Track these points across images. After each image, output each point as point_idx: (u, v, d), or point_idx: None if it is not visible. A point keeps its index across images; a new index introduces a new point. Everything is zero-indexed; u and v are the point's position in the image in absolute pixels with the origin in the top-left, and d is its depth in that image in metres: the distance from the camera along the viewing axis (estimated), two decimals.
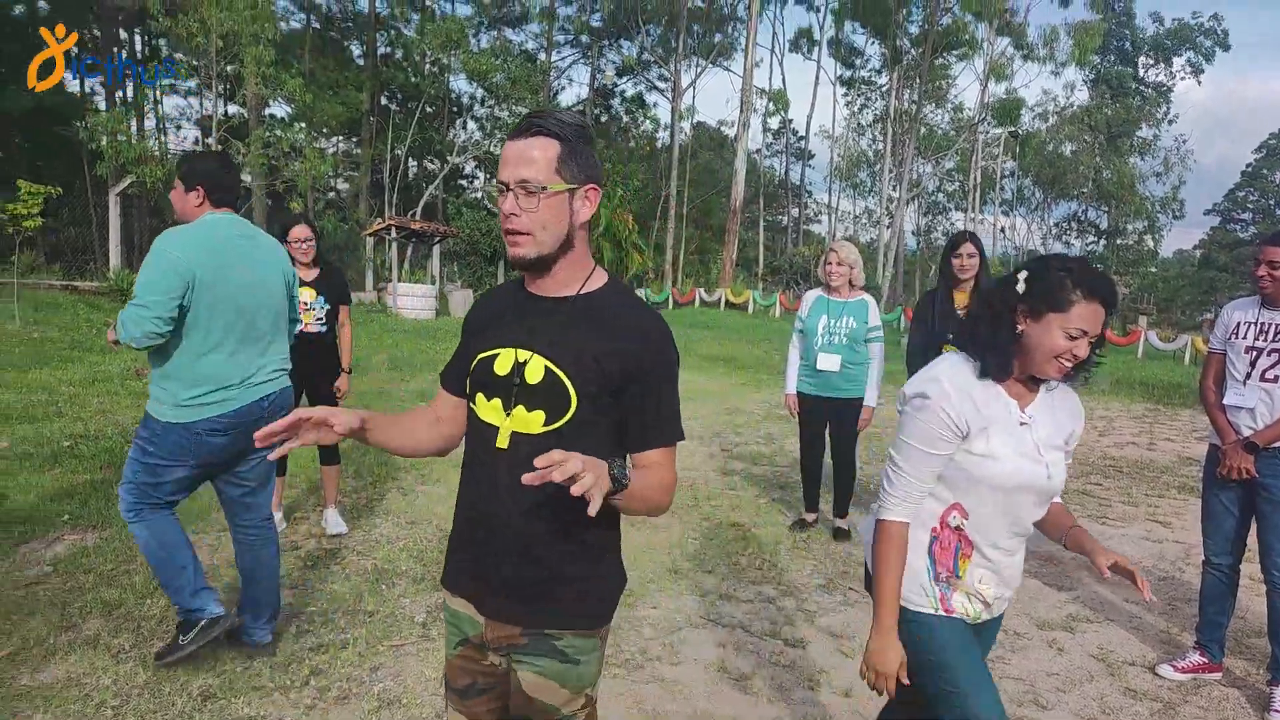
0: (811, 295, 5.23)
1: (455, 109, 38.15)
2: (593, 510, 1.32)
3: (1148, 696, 3.37)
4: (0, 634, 3.27)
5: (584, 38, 40.34)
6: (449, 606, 1.74)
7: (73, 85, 35.54)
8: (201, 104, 33.27)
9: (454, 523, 1.75)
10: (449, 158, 34.21)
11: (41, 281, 17.02)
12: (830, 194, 49.06)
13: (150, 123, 31.84)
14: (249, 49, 21.12)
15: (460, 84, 36.94)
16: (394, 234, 21.69)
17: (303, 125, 27.32)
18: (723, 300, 26.56)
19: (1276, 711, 3.27)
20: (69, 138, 24.04)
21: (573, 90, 72.61)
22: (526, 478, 1.30)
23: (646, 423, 1.60)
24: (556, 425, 1.57)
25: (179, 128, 37.51)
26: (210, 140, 22.88)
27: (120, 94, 32.53)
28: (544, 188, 1.54)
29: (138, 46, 35.03)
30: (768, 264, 36.83)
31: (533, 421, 1.58)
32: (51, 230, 27.08)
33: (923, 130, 37.95)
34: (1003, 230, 48.17)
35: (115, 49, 33.39)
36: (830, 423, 5.14)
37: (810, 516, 5.35)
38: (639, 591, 4.10)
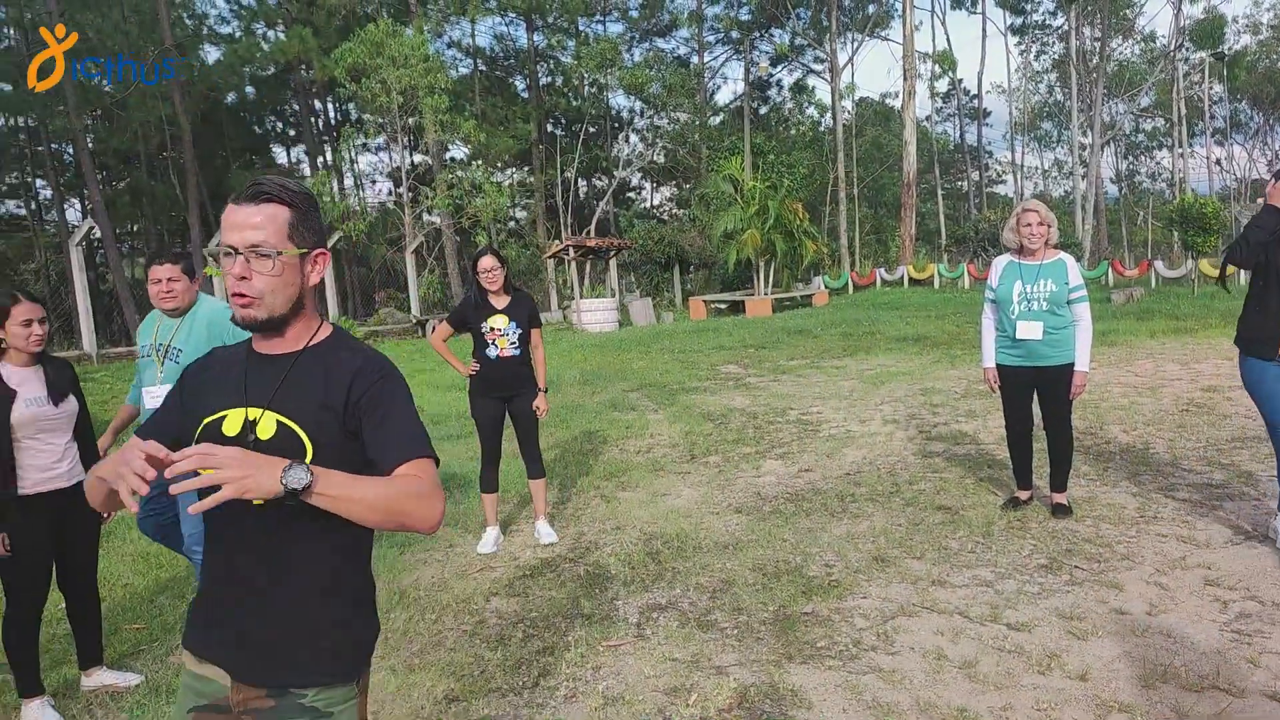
0: (1001, 261, 4.96)
1: (616, 124, 39.08)
2: (209, 502, 1.34)
3: None
4: None
5: (734, 33, 40.16)
6: (188, 669, 1.66)
7: (281, 157, 39.48)
8: (390, 157, 35.96)
9: (200, 585, 1.73)
10: (615, 173, 35.09)
11: None
12: (1013, 151, 46.10)
13: (349, 181, 34.87)
14: (426, 100, 22.66)
15: (619, 100, 37.84)
16: (572, 254, 22.52)
17: (479, 163, 28.94)
18: (905, 277, 25.55)
19: None
20: None
21: (728, 88, 72.43)
22: (194, 508, 1.34)
23: (387, 443, 1.58)
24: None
25: (374, 182, 40.79)
26: (401, 190, 24.71)
27: (321, 159, 35.75)
28: (279, 253, 1.57)
29: (331, 113, 38.36)
30: (950, 234, 35.06)
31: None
32: None
33: (1111, 68, 34.87)
34: (1219, 163, 43.30)
35: (312, 117, 36.75)
36: (1040, 393, 4.86)
37: (1024, 494, 5.06)
38: (846, 582, 4.05)
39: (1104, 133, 33.96)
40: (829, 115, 40.10)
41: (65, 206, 32.23)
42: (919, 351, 12.65)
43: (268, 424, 1.59)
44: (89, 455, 3.37)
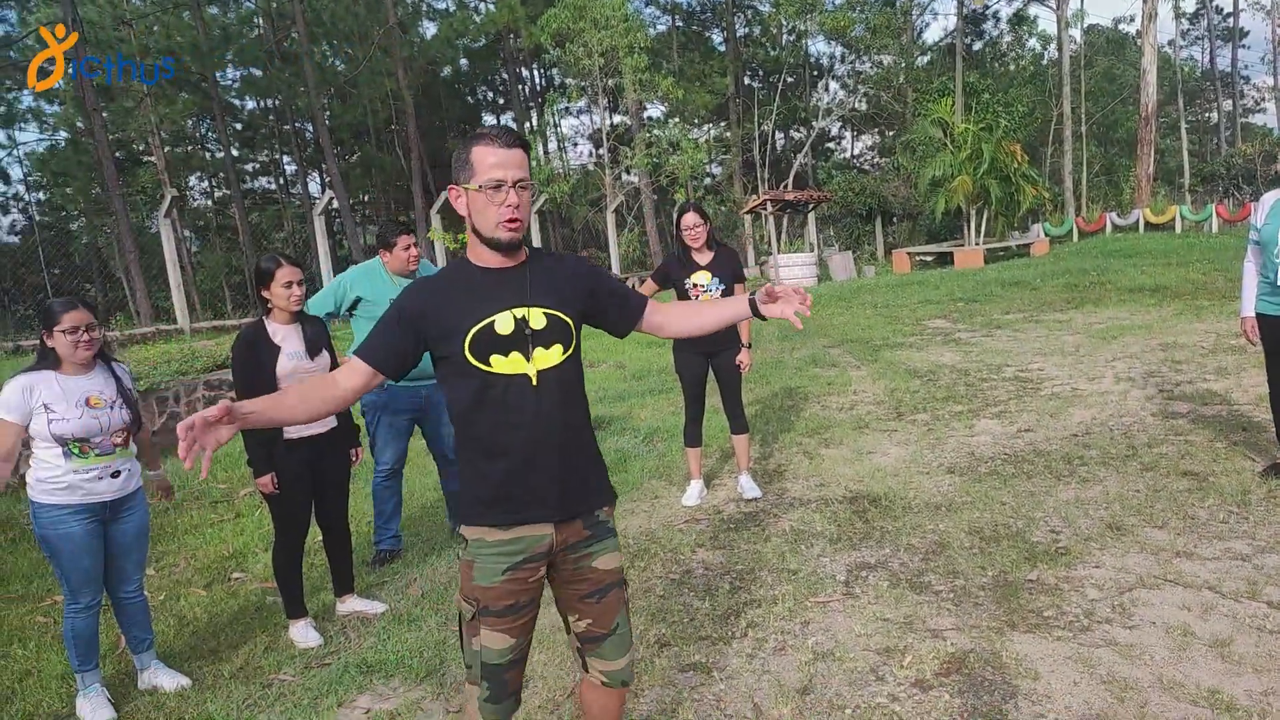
0: (1270, 197, 4.38)
1: (816, 73, 37.82)
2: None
3: None
4: None
5: None
6: (488, 541, 1.99)
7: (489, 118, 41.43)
8: (591, 119, 36.83)
9: (481, 475, 2.00)
10: (814, 123, 34.09)
11: None
12: (1275, 75, 40.36)
13: (552, 144, 36.10)
14: (625, 60, 22.96)
15: (819, 46, 36.56)
16: (769, 208, 22.17)
17: (676, 120, 29.02)
18: (1140, 222, 23.16)
19: None
20: None
21: (938, 24, 67.99)
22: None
23: (625, 297, 2.20)
24: (570, 350, 2.04)
25: (575, 145, 41.99)
26: (601, 151, 25.28)
27: (527, 124, 37.20)
28: (533, 185, 2.02)
29: (536, 79, 39.76)
30: (1196, 172, 31.31)
31: (552, 356, 2.00)
32: None
33: None
34: None
35: (519, 85, 38.25)
36: None
37: None
38: (1075, 550, 3.78)
39: None
40: (1053, 46, 36.79)
41: (307, 180, 35.60)
42: (1157, 303, 11.46)
43: (536, 317, 1.99)
44: None
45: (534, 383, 1.97)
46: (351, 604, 3.89)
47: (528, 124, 36.94)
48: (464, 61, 37.12)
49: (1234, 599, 3.21)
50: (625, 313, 2.19)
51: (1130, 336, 9.05)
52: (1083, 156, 32.83)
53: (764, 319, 2.13)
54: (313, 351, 3.56)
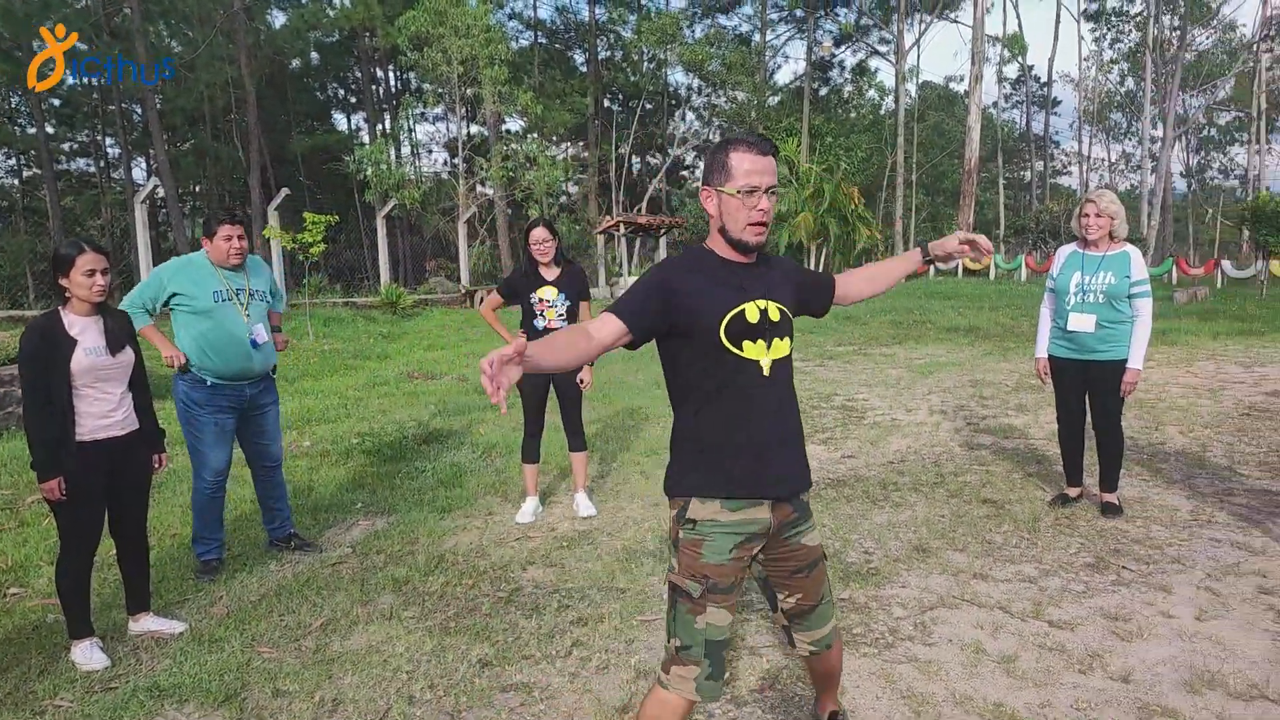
0: (1065, 250, 4.83)
1: (673, 101, 38.79)
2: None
3: None
4: (314, 606, 3.79)
5: (798, 12, 39.49)
6: (720, 522, 2.12)
7: (341, 124, 39.94)
8: (448, 128, 36.18)
9: (716, 450, 2.13)
10: (670, 150, 34.91)
11: (327, 300, 19.29)
12: (1079, 142, 44.79)
13: (406, 150, 35.19)
14: (485, 70, 22.73)
15: (677, 76, 37.53)
16: (622, 230, 22.49)
17: (535, 136, 28.97)
18: (959, 267, 25.06)
19: None
20: (341, 171, 27.02)
21: (789, 67, 71.24)
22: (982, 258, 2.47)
23: (821, 285, 2.45)
24: (792, 343, 2.24)
25: (430, 152, 41.10)
26: (456, 160, 24.86)
27: (380, 127, 36.09)
28: (777, 194, 2.17)
29: (392, 81, 38.67)
30: (1010, 225, 34.22)
31: (783, 347, 2.19)
32: (332, 254, 30.62)
33: (1189, 57, 33.58)
34: None
35: (373, 85, 37.08)
36: (1090, 389, 4.73)
37: (1073, 491, 4.95)
38: (885, 570, 4.00)
39: (1176, 126, 32.77)
40: (890, 98, 39.33)
41: (132, 165, 33.05)
42: (970, 343, 12.42)
43: (773, 310, 2.17)
44: (143, 405, 3.45)
45: (767, 371, 2.14)
46: (146, 623, 3.59)
47: (380, 126, 35.84)
48: (315, 55, 35.66)
49: (1020, 618, 3.48)
50: (824, 294, 2.44)
51: (945, 372, 9.74)
52: (912, 203, 35.20)
53: (933, 263, 2.39)
54: (114, 347, 3.28)
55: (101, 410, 3.26)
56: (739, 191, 2.07)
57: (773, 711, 2.84)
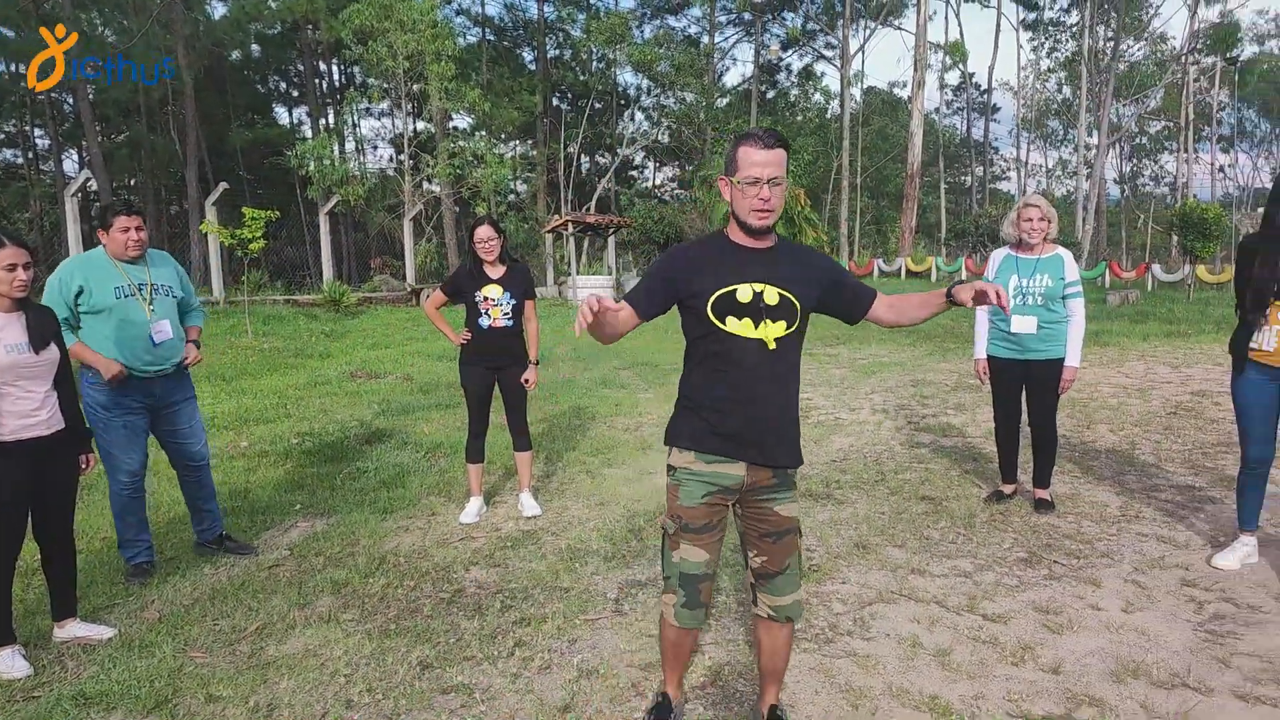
0: (999, 254, 4.95)
1: (622, 102, 38.81)
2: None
3: None
4: (250, 610, 3.70)
5: (746, 15, 39.83)
6: (695, 470, 2.41)
7: (283, 118, 39.16)
8: (394, 124, 35.69)
9: (701, 410, 2.42)
10: (618, 150, 34.91)
11: (267, 298, 18.90)
12: (1018, 148, 45.96)
13: (350, 146, 34.61)
14: (432, 66, 22.45)
15: (626, 77, 37.57)
16: (570, 229, 22.43)
17: (483, 134, 28.73)
18: (903, 269, 25.54)
19: None
20: (283, 165, 26.47)
21: (737, 70, 71.89)
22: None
23: (856, 295, 2.51)
24: (792, 328, 2.38)
25: (375, 148, 40.47)
26: (402, 157, 24.53)
27: (323, 121, 35.45)
28: (783, 179, 2.33)
29: (336, 75, 38.02)
30: (950, 228, 34.97)
31: (776, 329, 2.35)
32: (273, 250, 29.96)
33: (1121, 68, 34.68)
34: (1222, 170, 43.22)
35: (316, 79, 36.40)
36: (1028, 387, 4.85)
37: (1008, 488, 5.07)
38: (826, 567, 4.06)
39: (1110, 134, 33.84)
40: (835, 102, 39.88)
41: (63, 157, 31.94)
42: (912, 343, 12.66)
43: (771, 294, 2.35)
44: (68, 404, 3.34)
45: (755, 349, 2.34)
46: (72, 629, 3.46)
47: (323, 121, 35.21)
48: (255, 47, 34.88)
49: (956, 612, 3.56)
50: (858, 304, 2.52)
51: (887, 372, 9.92)
52: (857, 206, 35.76)
53: (959, 305, 2.38)
54: (37, 344, 3.16)
55: (24, 409, 3.15)
56: (742, 182, 2.29)
57: (714, 708, 2.86)
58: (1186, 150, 37.05)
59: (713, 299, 2.34)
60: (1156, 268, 22.42)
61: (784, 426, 2.42)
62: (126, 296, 3.95)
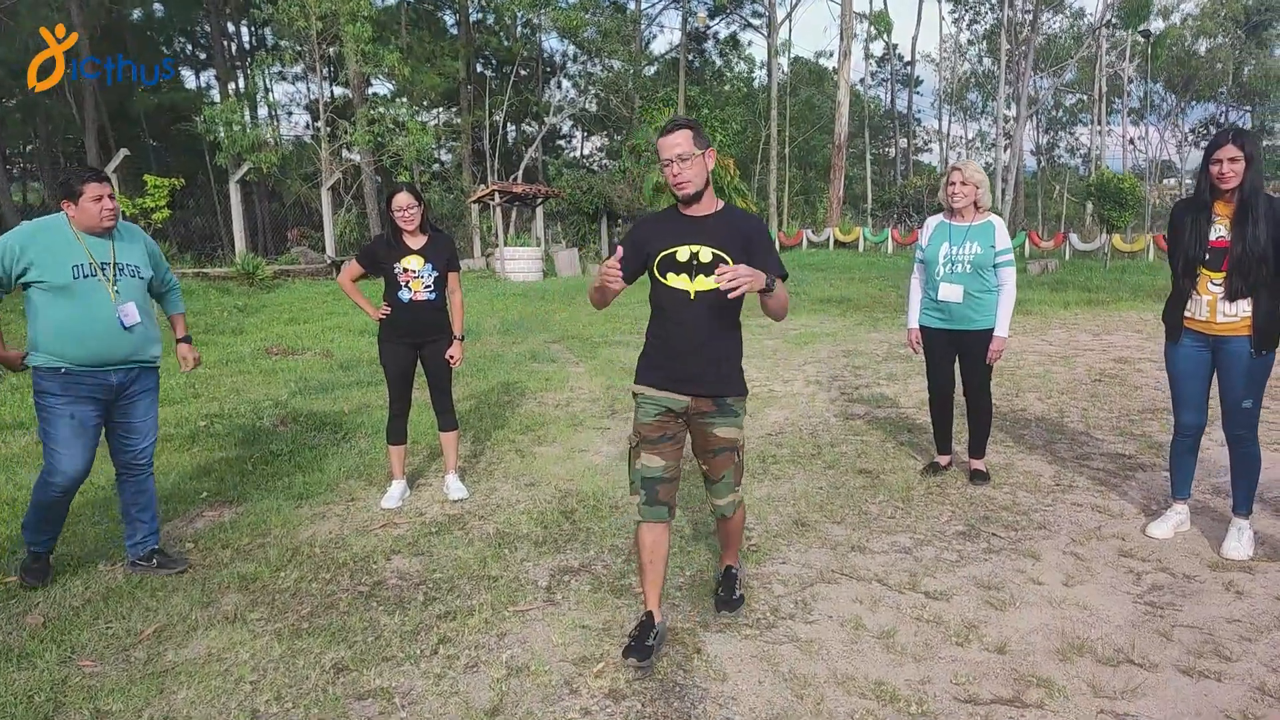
0: (933, 221, 4.86)
1: (548, 69, 38.04)
2: (734, 294, 2.60)
3: None
4: (147, 611, 3.40)
5: None
6: (647, 395, 2.97)
7: (190, 81, 37.27)
8: (309, 89, 34.32)
9: (650, 350, 3.02)
10: (545, 119, 34.25)
11: (175, 271, 17.98)
12: (940, 120, 46.74)
13: (263, 111, 33.10)
14: (347, 27, 21.51)
15: (552, 43, 36.82)
16: (497, 199, 21.89)
17: (404, 100, 27.77)
18: (831, 240, 25.73)
19: None
20: (190, 131, 25.17)
21: (664, 37, 71.28)
22: (724, 282, 2.57)
23: (768, 265, 2.80)
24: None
25: (290, 114, 38.87)
26: (319, 124, 23.55)
27: (233, 85, 33.86)
28: (692, 154, 2.83)
29: (245, 37, 36.33)
30: (876, 199, 35.41)
31: (708, 283, 2.86)
32: (180, 221, 28.56)
33: (1040, 41, 35.40)
34: (1132, 142, 44.73)
35: (224, 40, 34.70)
36: (960, 358, 4.80)
37: (943, 460, 5.03)
38: (765, 547, 3.93)
39: (1029, 105, 34.59)
40: (763, 72, 39.85)
41: None
42: (842, 313, 12.70)
43: (705, 253, 2.87)
44: None
45: (692, 298, 2.89)
46: None
47: (233, 84, 33.63)
48: (158, 6, 33.04)
49: (898, 590, 3.47)
50: (762, 267, 2.78)
51: (819, 343, 9.89)
52: (785, 176, 35.86)
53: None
54: None
55: None
56: (662, 165, 2.87)
57: (652, 704, 2.70)
58: (1099, 123, 38.16)
59: (659, 258, 2.93)
60: (1073, 237, 23.04)
61: (721, 362, 2.93)
62: (86, 276, 3.45)
